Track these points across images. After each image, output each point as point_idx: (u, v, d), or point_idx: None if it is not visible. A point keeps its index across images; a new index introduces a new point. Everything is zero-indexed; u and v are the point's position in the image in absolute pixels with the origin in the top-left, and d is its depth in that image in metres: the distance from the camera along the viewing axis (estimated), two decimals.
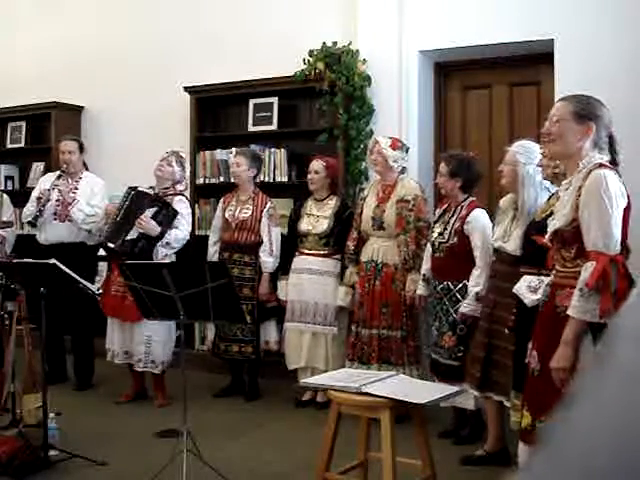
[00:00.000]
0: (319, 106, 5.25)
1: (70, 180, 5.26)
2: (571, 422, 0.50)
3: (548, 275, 2.77)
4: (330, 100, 5.16)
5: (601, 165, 2.51)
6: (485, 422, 3.89)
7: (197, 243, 5.24)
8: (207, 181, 5.78)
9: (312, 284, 4.70)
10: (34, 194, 5.24)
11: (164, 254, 4.62)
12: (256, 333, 4.90)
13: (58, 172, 5.26)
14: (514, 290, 3.22)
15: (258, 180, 5.19)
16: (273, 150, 5.50)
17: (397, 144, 4.51)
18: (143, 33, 6.31)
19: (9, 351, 4.10)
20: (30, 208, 5.19)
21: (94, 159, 5.79)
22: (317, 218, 4.77)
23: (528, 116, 4.99)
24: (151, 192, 4.76)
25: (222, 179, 5.68)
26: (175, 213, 4.68)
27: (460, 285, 3.95)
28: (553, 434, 0.49)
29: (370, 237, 4.49)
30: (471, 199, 4.07)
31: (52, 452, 3.59)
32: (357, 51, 5.21)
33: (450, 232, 4.00)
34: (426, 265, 4.20)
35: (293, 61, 5.25)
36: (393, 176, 4.50)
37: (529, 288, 3.16)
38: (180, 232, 4.71)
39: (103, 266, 5.35)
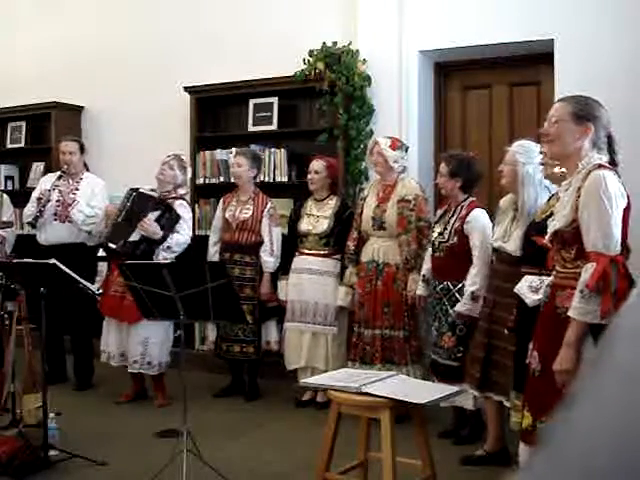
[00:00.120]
0: (319, 106, 5.25)
1: (70, 181, 5.26)
2: (571, 422, 0.50)
3: (549, 275, 2.77)
4: (330, 100, 5.16)
5: (600, 166, 2.51)
6: (485, 422, 3.89)
7: (197, 243, 5.23)
8: (207, 181, 5.78)
9: (312, 284, 4.70)
10: (34, 194, 5.24)
11: (164, 258, 4.62)
12: (257, 333, 4.90)
13: (59, 173, 5.26)
14: (515, 290, 3.22)
15: (258, 180, 5.19)
16: (273, 150, 5.50)
17: (397, 144, 4.51)
18: (143, 33, 6.31)
19: (9, 351, 4.10)
20: (30, 209, 5.19)
21: (94, 159, 5.79)
22: (317, 218, 4.77)
23: (528, 116, 4.99)
24: (154, 194, 4.75)
25: (222, 179, 5.69)
26: (178, 217, 4.69)
27: (459, 285, 3.95)
28: (553, 434, 0.49)
29: (370, 237, 4.49)
30: (471, 199, 4.07)
31: (52, 452, 3.59)
32: (357, 51, 5.21)
33: (450, 232, 4.01)
34: (426, 265, 4.20)
35: (293, 61, 5.25)
36: (393, 176, 4.50)
37: (530, 288, 3.16)
38: (181, 236, 4.71)
39: (103, 266, 5.35)
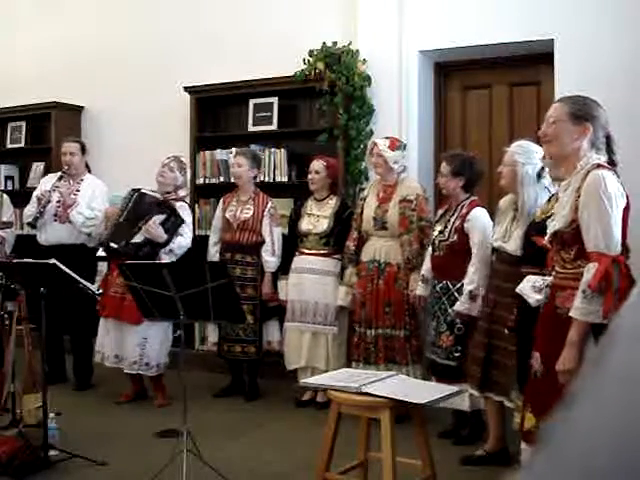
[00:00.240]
0: (319, 106, 5.25)
1: (71, 182, 5.26)
2: (571, 422, 0.50)
3: (550, 275, 2.77)
4: (330, 100, 5.16)
5: (599, 165, 2.51)
6: (485, 422, 3.89)
7: (197, 243, 5.23)
8: (207, 181, 5.78)
9: (313, 284, 4.70)
10: (35, 194, 5.23)
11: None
12: (259, 333, 4.90)
13: (60, 173, 5.26)
14: (517, 290, 3.21)
15: (258, 180, 5.19)
16: (273, 150, 5.50)
17: (396, 144, 4.51)
18: (143, 33, 6.31)
19: (9, 351, 4.10)
20: (31, 209, 5.19)
21: (94, 159, 5.79)
22: (317, 218, 4.77)
23: (528, 116, 4.99)
24: (159, 197, 4.73)
25: (222, 179, 5.69)
26: (182, 221, 4.69)
27: (459, 285, 3.95)
28: (553, 434, 0.49)
29: (371, 237, 4.49)
30: (472, 198, 4.08)
31: (52, 452, 3.59)
32: (357, 51, 5.21)
33: (450, 230, 4.00)
34: (426, 266, 4.20)
35: (293, 61, 5.25)
36: (394, 176, 4.51)
37: (533, 288, 3.14)
38: (183, 240, 4.72)
39: (103, 266, 5.35)
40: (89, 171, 5.45)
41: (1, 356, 4.26)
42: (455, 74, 5.42)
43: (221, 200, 5.14)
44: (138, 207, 4.67)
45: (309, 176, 4.82)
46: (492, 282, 3.70)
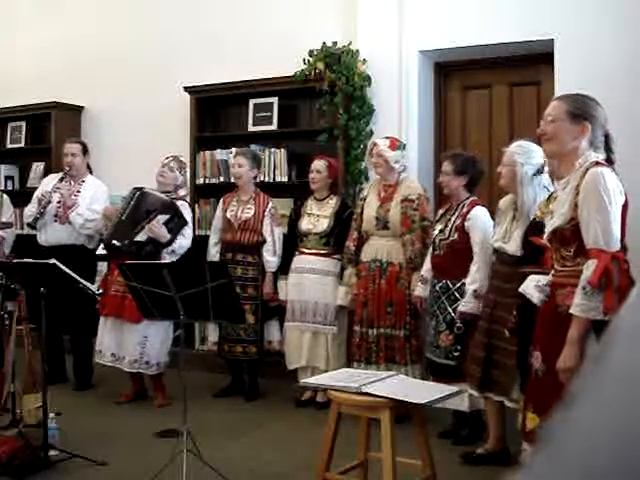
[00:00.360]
0: (319, 106, 5.25)
1: (72, 183, 5.25)
2: (571, 422, 0.50)
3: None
4: (330, 100, 5.16)
5: (598, 163, 2.52)
6: (485, 422, 3.89)
7: (197, 243, 5.23)
8: (207, 181, 5.78)
9: (313, 284, 4.70)
10: (36, 195, 5.23)
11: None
12: (260, 333, 4.90)
13: (61, 174, 5.26)
14: (521, 289, 3.20)
15: (258, 180, 5.19)
16: (273, 150, 5.50)
17: (396, 144, 4.51)
18: (143, 33, 6.32)
19: (9, 351, 4.10)
20: (31, 209, 5.18)
21: (94, 159, 5.78)
22: (317, 217, 4.77)
23: (528, 116, 4.99)
24: (163, 197, 4.72)
25: (222, 179, 5.69)
26: (185, 222, 4.69)
27: (459, 284, 3.95)
28: (553, 434, 0.49)
29: (372, 237, 4.48)
30: (473, 197, 4.08)
31: (52, 452, 3.59)
32: (357, 51, 5.21)
33: (451, 229, 4.00)
34: (426, 266, 4.20)
35: (293, 61, 5.26)
36: (394, 176, 4.50)
37: (537, 288, 3.14)
38: (185, 240, 4.72)
39: (102, 266, 5.35)
40: (90, 172, 5.44)
41: (1, 356, 4.25)
42: (455, 74, 5.42)
43: (221, 200, 5.14)
44: (141, 205, 4.66)
45: (310, 175, 4.82)
46: (492, 282, 3.70)
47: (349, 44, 5.22)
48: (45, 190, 5.16)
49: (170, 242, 4.63)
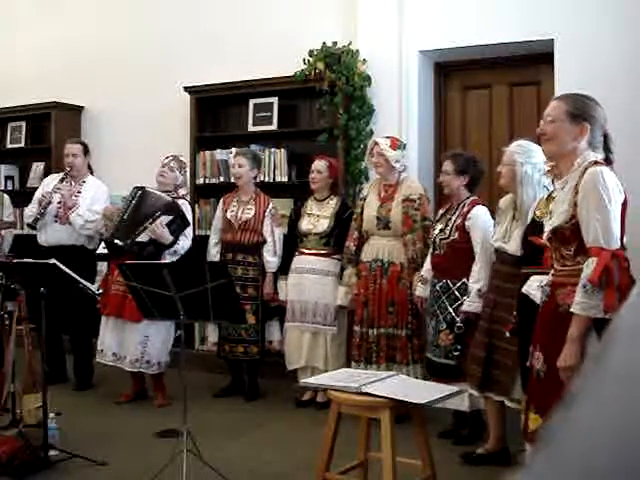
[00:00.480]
0: (319, 106, 5.25)
1: (73, 183, 5.25)
2: (571, 422, 0.50)
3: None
4: (330, 100, 5.16)
5: (596, 162, 2.52)
6: (485, 422, 3.89)
7: (197, 243, 5.23)
8: (207, 181, 5.78)
9: (312, 284, 4.70)
10: (37, 195, 5.23)
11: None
12: (261, 333, 4.91)
13: (62, 174, 5.26)
14: (524, 290, 3.20)
15: (258, 180, 5.19)
16: (273, 150, 5.50)
17: (396, 143, 4.51)
18: (143, 33, 6.32)
19: (9, 351, 4.10)
20: (32, 209, 5.18)
21: (94, 159, 5.78)
22: (317, 218, 4.77)
23: (528, 116, 4.99)
24: (167, 198, 4.70)
25: (222, 179, 5.69)
26: (187, 224, 4.69)
27: (459, 283, 3.94)
28: (553, 434, 0.49)
29: (372, 237, 4.48)
30: (474, 197, 4.08)
31: (52, 452, 3.59)
32: (357, 51, 5.21)
33: (451, 228, 4.00)
34: (426, 266, 4.20)
35: (293, 61, 5.26)
36: (395, 176, 4.50)
37: (541, 288, 3.13)
38: (187, 240, 4.73)
39: (102, 266, 5.35)
40: (91, 172, 5.43)
41: (1, 356, 4.25)
42: (455, 74, 5.42)
43: (221, 200, 5.13)
44: (143, 205, 4.65)
45: (311, 175, 4.82)
46: (492, 282, 3.70)
47: (349, 44, 5.21)
48: (46, 190, 5.15)
49: (173, 244, 4.62)
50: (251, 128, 5.70)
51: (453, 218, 4.03)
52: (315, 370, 4.61)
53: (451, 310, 3.96)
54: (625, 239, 2.56)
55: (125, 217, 4.65)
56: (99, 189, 5.30)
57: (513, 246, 3.52)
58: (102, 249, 4.79)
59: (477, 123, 5.32)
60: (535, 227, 3.22)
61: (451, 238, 3.99)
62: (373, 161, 4.51)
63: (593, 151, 2.58)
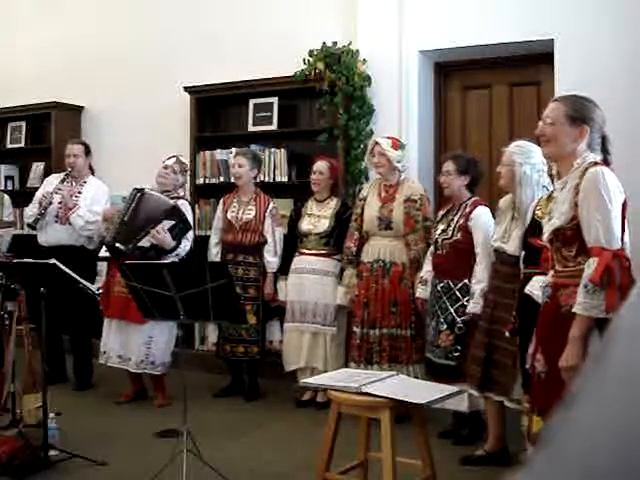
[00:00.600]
0: (319, 106, 5.25)
1: (74, 183, 5.24)
2: (571, 422, 0.50)
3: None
4: (330, 100, 5.16)
5: (596, 163, 2.52)
6: (485, 422, 3.89)
7: (197, 243, 5.24)
8: (207, 181, 5.78)
9: (313, 284, 4.70)
10: (37, 195, 5.22)
11: None
12: (262, 333, 4.91)
13: (63, 174, 5.25)
14: (526, 290, 3.19)
15: (258, 180, 5.19)
16: (273, 150, 5.50)
17: (397, 143, 4.50)
18: (143, 33, 6.32)
19: (9, 351, 4.10)
20: (32, 209, 5.18)
21: (94, 159, 5.79)
22: (318, 218, 4.77)
23: (528, 116, 4.98)
24: (169, 201, 4.66)
25: (222, 179, 5.69)
26: (189, 227, 4.69)
27: (461, 284, 3.94)
28: (554, 434, 0.49)
29: (373, 237, 4.48)
30: (475, 197, 4.08)
31: (52, 452, 3.59)
32: (357, 51, 5.21)
33: (454, 228, 4.00)
34: (426, 267, 4.19)
35: (293, 61, 5.25)
36: (396, 176, 4.50)
37: (542, 288, 3.13)
38: (188, 243, 4.72)
39: (103, 266, 5.35)
40: (92, 173, 5.43)
41: (1, 356, 4.25)
42: (455, 74, 5.42)
43: (221, 200, 5.13)
44: (143, 207, 4.63)
45: (312, 176, 4.81)
46: (492, 282, 3.70)
47: (349, 44, 5.21)
48: (46, 191, 5.15)
49: (174, 248, 4.61)
50: (251, 128, 5.70)
51: (455, 219, 4.03)
52: (315, 370, 4.61)
53: (452, 311, 3.95)
54: (625, 239, 2.56)
55: (125, 220, 4.63)
56: (99, 189, 5.29)
57: (512, 246, 3.52)
58: (104, 252, 4.77)
59: (477, 123, 5.32)
60: (535, 227, 3.22)
61: (454, 239, 3.98)
62: (374, 161, 4.50)
63: (592, 152, 2.58)
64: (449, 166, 4.06)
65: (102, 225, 4.96)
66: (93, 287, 4.13)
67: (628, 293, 2.33)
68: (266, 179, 5.47)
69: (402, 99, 5.15)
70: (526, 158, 3.51)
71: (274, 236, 4.89)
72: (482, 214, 3.98)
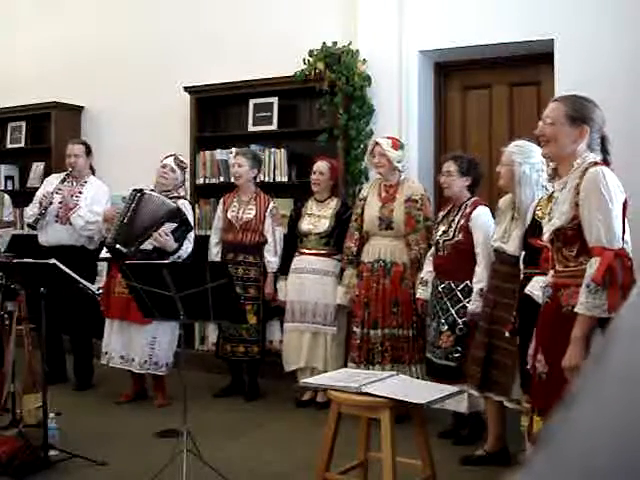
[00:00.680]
0: (319, 106, 5.25)
1: (74, 183, 5.24)
2: (571, 422, 0.50)
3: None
4: (330, 100, 5.16)
5: (596, 163, 2.52)
6: (485, 422, 3.89)
7: (197, 243, 5.23)
8: (207, 181, 5.78)
9: (313, 284, 4.70)
10: (38, 195, 5.22)
11: None
12: (262, 333, 4.91)
13: (64, 174, 5.25)
14: (526, 291, 3.19)
15: (258, 180, 5.19)
16: (273, 150, 5.50)
17: (397, 144, 4.50)
18: (143, 33, 6.31)
19: (9, 351, 4.10)
20: (33, 209, 5.18)
21: (94, 159, 5.79)
22: (318, 218, 4.77)
23: (528, 116, 4.98)
24: (171, 203, 4.65)
25: (222, 179, 5.69)
26: (191, 228, 4.68)
27: (462, 285, 3.94)
28: (553, 434, 0.49)
29: (373, 237, 4.47)
30: (475, 198, 4.08)
31: (52, 452, 3.59)
32: (357, 51, 5.21)
33: (455, 229, 4.00)
34: (426, 268, 4.19)
35: (293, 61, 5.25)
36: (396, 176, 4.50)
37: (542, 288, 3.13)
38: (190, 244, 4.72)
39: (103, 266, 5.35)
40: (93, 173, 5.43)
41: (1, 356, 4.25)
42: (455, 74, 5.42)
43: (221, 200, 5.13)
44: (143, 209, 4.62)
45: (313, 177, 4.81)
46: (492, 282, 3.70)
47: (349, 44, 5.21)
48: (47, 191, 5.15)
49: (176, 250, 4.61)
50: (251, 128, 5.70)
51: (456, 219, 4.02)
52: (315, 370, 4.61)
53: (453, 312, 3.95)
54: (626, 238, 2.56)
55: (125, 221, 4.62)
56: (100, 189, 5.29)
57: (512, 246, 3.52)
58: (105, 253, 4.76)
59: (477, 123, 5.32)
60: (536, 227, 3.22)
61: (455, 239, 3.98)
62: (375, 162, 4.49)
63: (591, 152, 2.58)
64: (450, 167, 4.05)
65: (103, 225, 4.96)
66: (93, 287, 4.13)
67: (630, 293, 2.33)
68: (266, 179, 5.47)
69: (402, 99, 5.15)
70: (525, 158, 3.51)
71: (274, 236, 4.89)
72: (482, 214, 3.98)
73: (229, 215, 4.96)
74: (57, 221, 5.15)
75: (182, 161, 4.95)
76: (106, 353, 4.77)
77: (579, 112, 2.58)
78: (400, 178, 4.51)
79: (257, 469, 3.66)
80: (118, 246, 4.54)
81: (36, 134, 6.76)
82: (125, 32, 6.40)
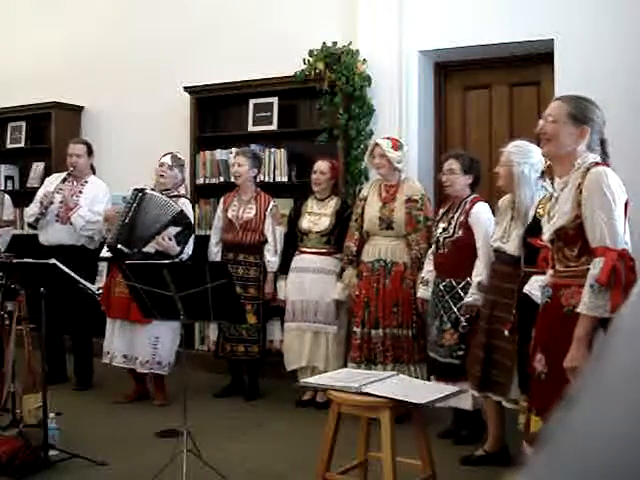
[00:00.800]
0: (319, 106, 5.25)
1: (75, 183, 5.24)
2: (571, 422, 0.50)
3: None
4: (330, 100, 5.16)
5: (597, 164, 2.52)
6: (485, 422, 3.89)
7: (197, 243, 5.23)
8: (207, 181, 5.78)
9: (314, 283, 4.70)
10: (39, 194, 5.22)
11: None
12: (262, 333, 4.91)
13: (64, 174, 5.25)
14: (525, 290, 3.19)
15: (258, 180, 5.19)
16: (273, 150, 5.50)
17: (397, 144, 4.50)
18: (143, 33, 6.31)
19: (9, 351, 4.10)
20: (33, 208, 5.18)
21: (94, 159, 5.79)
22: (318, 216, 4.77)
23: (528, 116, 4.98)
24: (176, 207, 4.65)
25: (222, 179, 5.69)
26: (193, 232, 4.68)
27: (463, 283, 3.93)
28: (553, 434, 0.49)
29: (373, 237, 4.47)
30: (475, 195, 4.08)
31: (52, 452, 3.58)
32: (357, 51, 5.21)
33: (455, 226, 3.99)
34: (427, 267, 4.19)
35: (293, 61, 5.25)
36: (396, 176, 4.50)
37: (541, 288, 3.13)
38: (191, 247, 4.72)
39: (103, 266, 5.35)
40: (94, 173, 5.42)
41: (1, 356, 4.25)
42: (455, 74, 5.42)
43: (221, 200, 5.13)
44: (145, 209, 4.61)
45: (314, 176, 4.81)
46: (492, 282, 3.70)
47: (349, 44, 5.21)
48: (47, 190, 5.15)
49: (179, 254, 4.61)
50: (251, 128, 5.70)
51: (456, 216, 4.02)
52: (315, 370, 4.61)
53: (455, 310, 3.94)
54: (627, 238, 2.56)
55: (127, 221, 4.62)
56: (100, 189, 5.29)
57: (512, 246, 3.51)
58: (105, 253, 4.75)
59: (477, 123, 5.32)
60: (537, 227, 3.22)
61: (455, 236, 3.98)
62: (375, 162, 4.49)
63: (591, 153, 2.58)
64: (453, 164, 4.05)
65: (103, 225, 4.96)
66: (93, 287, 4.13)
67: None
68: (266, 179, 5.47)
69: (402, 99, 5.15)
70: (524, 158, 3.51)
71: (274, 235, 4.89)
72: (482, 210, 3.98)
73: (229, 215, 4.96)
74: (57, 221, 5.15)
75: (179, 158, 4.94)
76: (108, 353, 4.77)
77: (581, 112, 2.58)
78: (400, 178, 4.52)
79: (257, 469, 3.66)
80: (120, 246, 4.54)
81: (36, 134, 6.75)
82: (125, 32, 6.40)
